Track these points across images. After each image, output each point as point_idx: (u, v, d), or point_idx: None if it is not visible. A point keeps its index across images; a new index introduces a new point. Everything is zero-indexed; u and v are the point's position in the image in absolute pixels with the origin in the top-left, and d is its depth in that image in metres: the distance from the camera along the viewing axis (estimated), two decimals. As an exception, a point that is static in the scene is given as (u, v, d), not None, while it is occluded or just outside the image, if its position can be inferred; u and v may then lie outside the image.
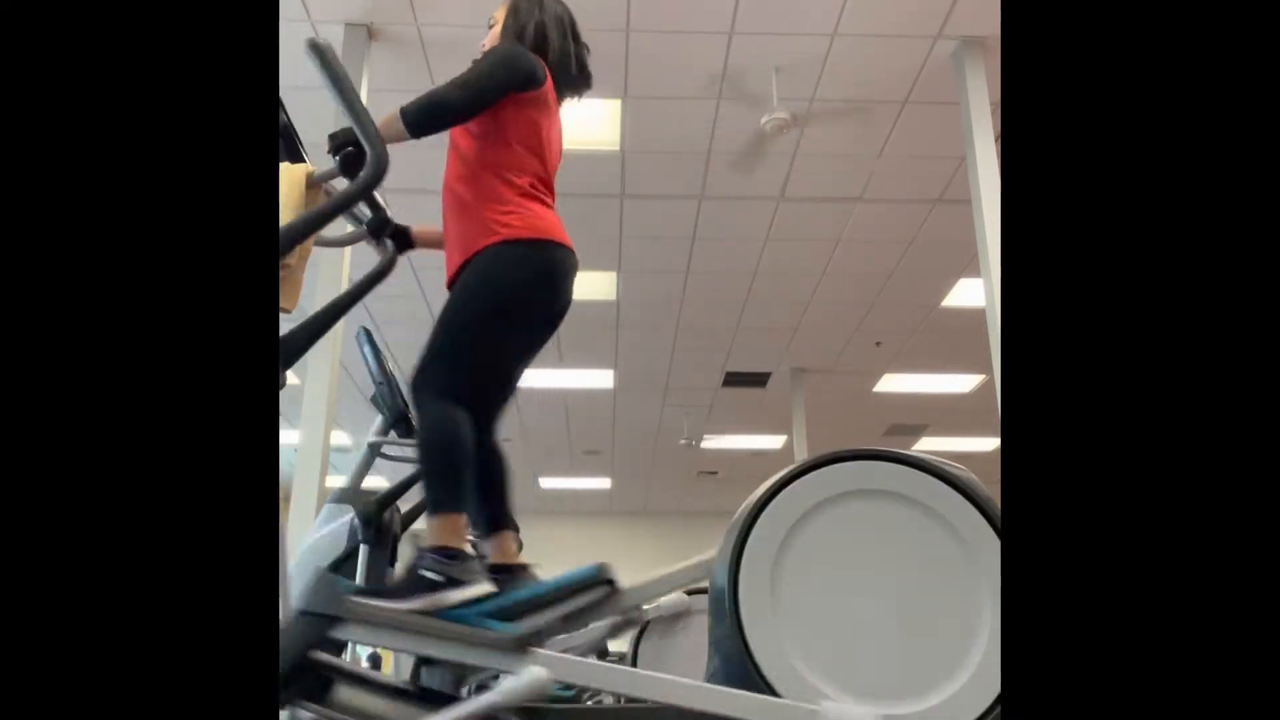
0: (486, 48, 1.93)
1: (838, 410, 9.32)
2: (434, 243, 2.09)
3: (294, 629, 1.36)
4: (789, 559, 1.43)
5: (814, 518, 1.44)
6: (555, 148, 1.91)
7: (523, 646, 1.38)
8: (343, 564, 2.60)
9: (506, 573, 1.74)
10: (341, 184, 1.61)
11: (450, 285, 1.80)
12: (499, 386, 1.88)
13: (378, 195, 1.88)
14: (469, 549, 1.55)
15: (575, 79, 1.96)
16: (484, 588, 1.48)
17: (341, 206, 1.52)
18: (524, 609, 1.47)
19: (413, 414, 1.69)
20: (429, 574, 1.48)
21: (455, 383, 1.65)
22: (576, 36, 1.97)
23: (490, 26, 1.98)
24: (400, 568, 1.66)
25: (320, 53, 1.52)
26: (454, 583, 1.47)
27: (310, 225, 1.48)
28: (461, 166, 1.81)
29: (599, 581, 1.62)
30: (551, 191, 1.87)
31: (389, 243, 1.94)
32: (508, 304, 1.71)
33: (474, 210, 1.76)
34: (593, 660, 1.51)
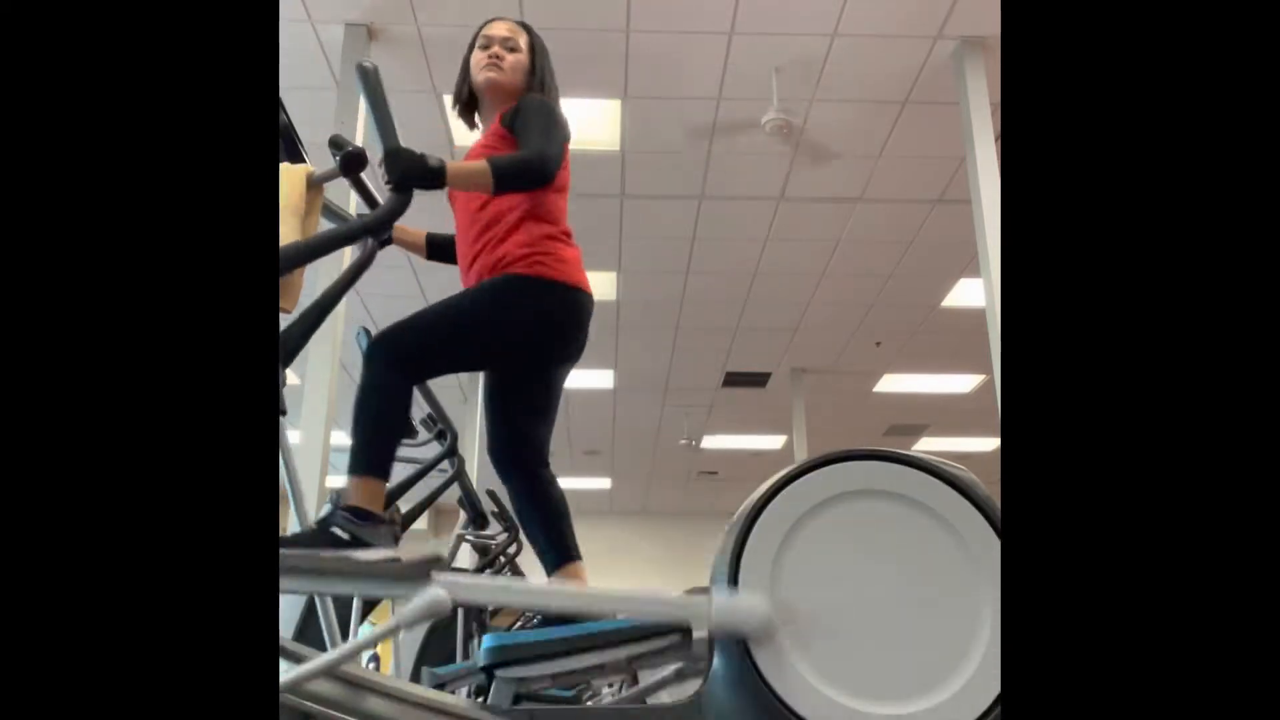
0: (504, 77, 1.94)
1: (838, 410, 9.32)
2: (413, 245, 2.11)
3: None
4: (789, 559, 1.43)
5: (814, 518, 1.44)
6: (567, 192, 1.96)
7: (425, 573, 1.35)
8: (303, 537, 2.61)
9: None
10: (342, 184, 1.61)
11: None
12: (541, 417, 1.90)
13: (377, 195, 1.88)
14: (382, 514, 1.53)
15: None
16: (388, 552, 1.45)
17: (351, 238, 1.51)
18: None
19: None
20: (339, 531, 1.47)
21: (414, 361, 1.65)
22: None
23: (510, 50, 1.97)
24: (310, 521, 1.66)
25: (366, 77, 1.52)
26: (360, 543, 1.45)
27: (315, 252, 1.48)
28: (501, 203, 1.83)
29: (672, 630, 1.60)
30: (570, 234, 1.91)
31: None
32: (506, 337, 1.74)
33: (514, 241, 1.79)
34: (493, 578, 1.52)
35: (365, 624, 2.92)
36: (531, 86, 1.94)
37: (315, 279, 4.28)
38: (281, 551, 1.37)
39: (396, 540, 1.53)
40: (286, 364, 1.55)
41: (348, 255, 4.32)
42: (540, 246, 1.78)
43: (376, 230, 1.55)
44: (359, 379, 1.63)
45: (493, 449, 1.91)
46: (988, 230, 4.29)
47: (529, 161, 1.71)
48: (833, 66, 4.67)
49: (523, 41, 1.98)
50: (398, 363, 1.63)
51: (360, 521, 1.49)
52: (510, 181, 1.69)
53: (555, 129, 1.78)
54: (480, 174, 1.65)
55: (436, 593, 1.32)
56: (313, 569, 1.38)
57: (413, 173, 1.53)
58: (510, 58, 1.96)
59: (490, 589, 1.46)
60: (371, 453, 1.58)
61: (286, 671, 1.24)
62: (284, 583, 1.35)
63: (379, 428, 1.60)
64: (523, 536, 4.31)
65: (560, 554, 1.83)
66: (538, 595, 1.45)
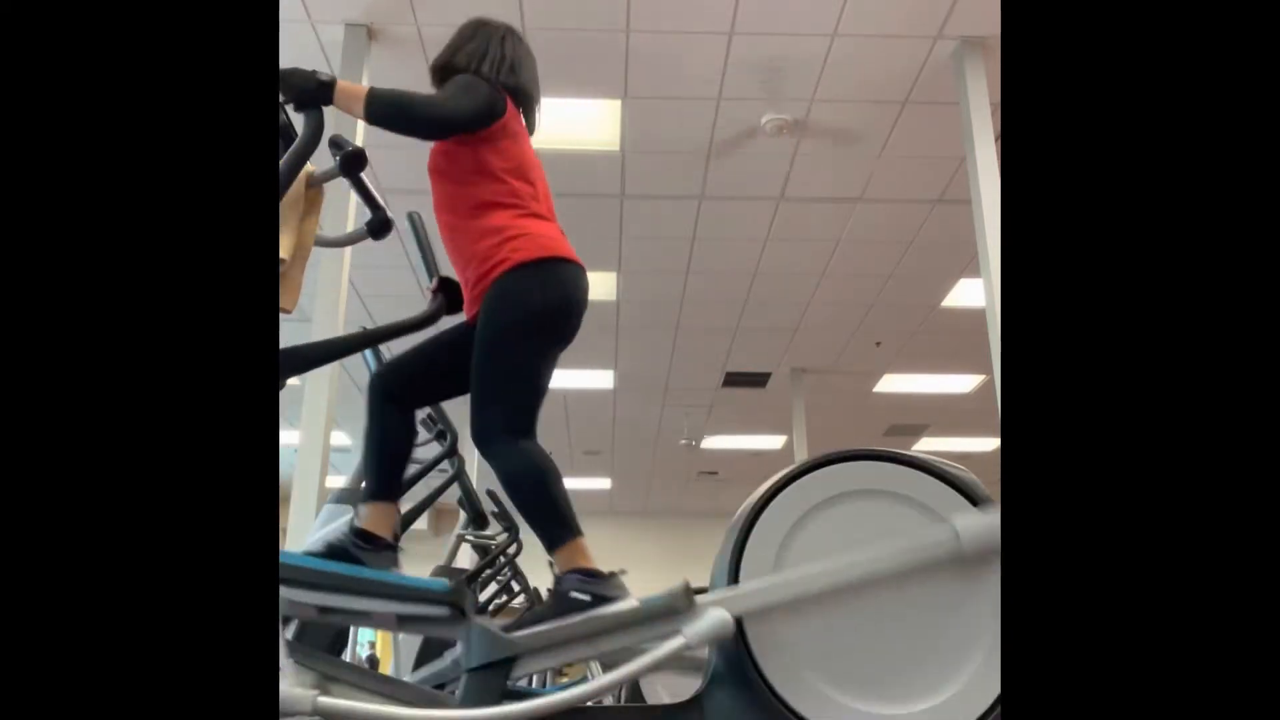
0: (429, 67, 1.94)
1: (838, 410, 9.31)
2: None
3: (474, 687, 1.39)
4: (789, 559, 1.43)
5: (814, 518, 1.44)
6: (541, 170, 1.90)
7: (690, 601, 1.41)
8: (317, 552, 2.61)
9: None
10: (341, 184, 1.61)
11: (471, 322, 1.79)
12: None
13: (377, 195, 1.88)
14: (601, 568, 1.58)
15: (530, 103, 1.96)
16: (632, 602, 1.49)
17: (294, 168, 1.50)
18: None
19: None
20: (577, 595, 1.51)
21: (516, 418, 1.66)
22: (514, 65, 1.94)
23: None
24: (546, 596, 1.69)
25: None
26: (602, 600, 1.50)
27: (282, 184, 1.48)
28: (453, 214, 1.81)
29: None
30: (550, 213, 1.85)
31: (440, 296, 1.93)
32: (535, 326, 1.70)
33: (478, 247, 1.75)
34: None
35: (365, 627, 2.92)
36: (436, 69, 1.92)
37: (315, 278, 4.28)
38: (546, 629, 1.44)
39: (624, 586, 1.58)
40: (298, 373, 1.57)
41: (348, 255, 4.32)
42: (516, 231, 1.73)
43: (309, 150, 1.53)
44: (499, 472, 1.63)
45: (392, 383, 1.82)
46: (988, 230, 4.29)
47: (411, 104, 1.68)
48: (833, 66, 4.66)
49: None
50: (507, 434, 1.64)
51: (591, 579, 1.54)
52: (382, 112, 1.65)
53: (460, 99, 1.74)
54: (357, 97, 1.63)
55: (720, 614, 1.38)
56: (591, 635, 1.44)
57: (306, 87, 1.54)
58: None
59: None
60: (559, 523, 1.60)
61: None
62: (562, 656, 1.44)
63: (545, 497, 1.61)
64: (523, 536, 4.31)
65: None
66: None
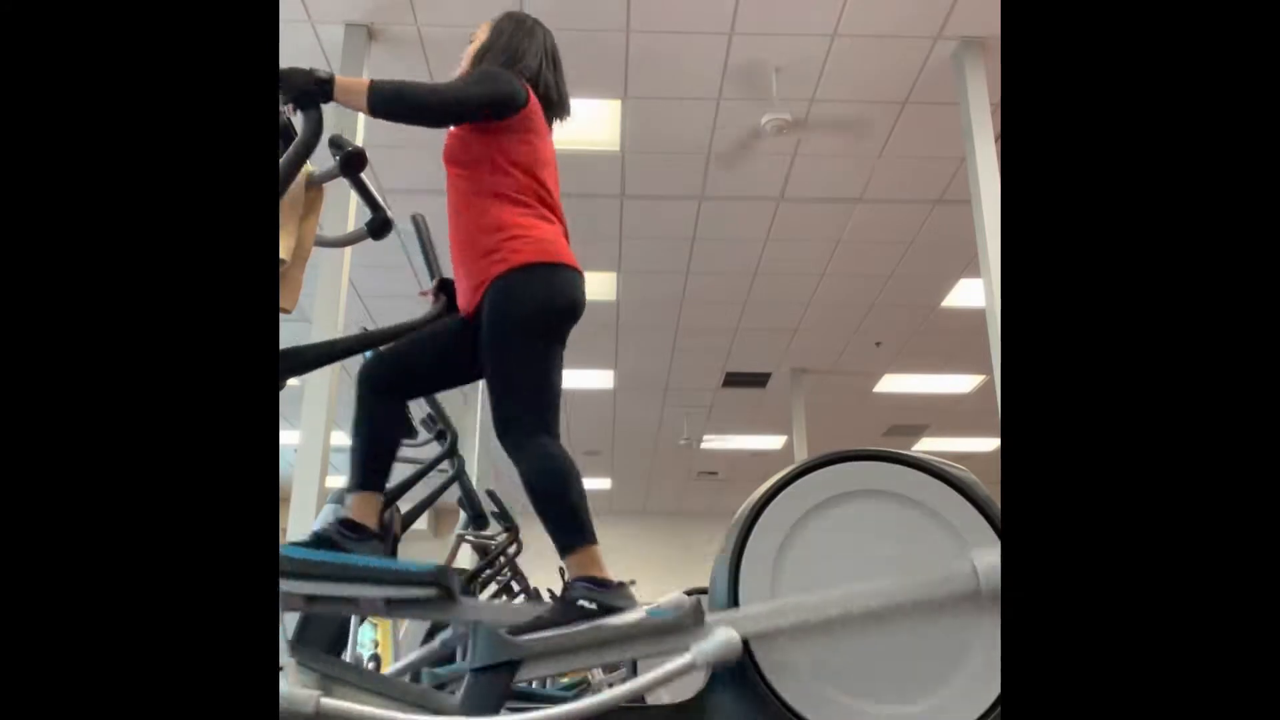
0: (465, 64, 1.93)
1: (838, 410, 9.31)
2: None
3: (478, 690, 1.39)
4: (789, 559, 1.43)
5: (814, 518, 1.44)
6: (554, 170, 1.89)
7: (699, 618, 1.41)
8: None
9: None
10: (341, 184, 1.60)
11: (468, 316, 1.78)
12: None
13: (377, 195, 1.88)
14: (612, 577, 1.57)
15: (555, 107, 1.95)
16: (639, 613, 1.48)
17: (294, 165, 1.49)
18: None
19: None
20: (584, 603, 1.51)
21: (536, 418, 1.65)
22: (557, 65, 1.96)
23: (470, 41, 1.96)
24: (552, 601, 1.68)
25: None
26: (610, 610, 1.50)
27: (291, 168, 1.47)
28: (462, 201, 1.80)
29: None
30: (557, 214, 1.84)
31: (442, 297, 1.93)
32: (540, 324, 1.70)
33: (481, 241, 1.74)
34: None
35: (364, 625, 2.92)
36: (479, 61, 1.89)
37: (315, 278, 4.28)
38: (551, 635, 1.44)
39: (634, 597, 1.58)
40: (299, 374, 1.57)
41: (348, 255, 4.32)
42: (517, 231, 1.73)
43: (309, 149, 1.52)
44: (523, 471, 1.62)
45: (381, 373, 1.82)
46: (988, 230, 4.29)
47: (413, 92, 1.66)
48: (833, 66, 4.66)
49: (482, 30, 1.95)
50: (529, 434, 1.63)
51: (599, 588, 1.54)
52: (386, 103, 1.64)
53: (473, 85, 1.73)
54: (359, 91, 1.62)
55: (729, 633, 1.37)
56: (596, 644, 1.44)
57: (304, 86, 1.52)
58: (467, 50, 1.95)
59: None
60: (575, 526, 1.59)
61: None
62: (565, 663, 1.44)
63: (564, 500, 1.60)
64: (523, 536, 4.31)
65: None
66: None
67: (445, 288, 1.93)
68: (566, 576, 1.59)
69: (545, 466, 1.61)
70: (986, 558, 1.38)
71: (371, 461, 1.72)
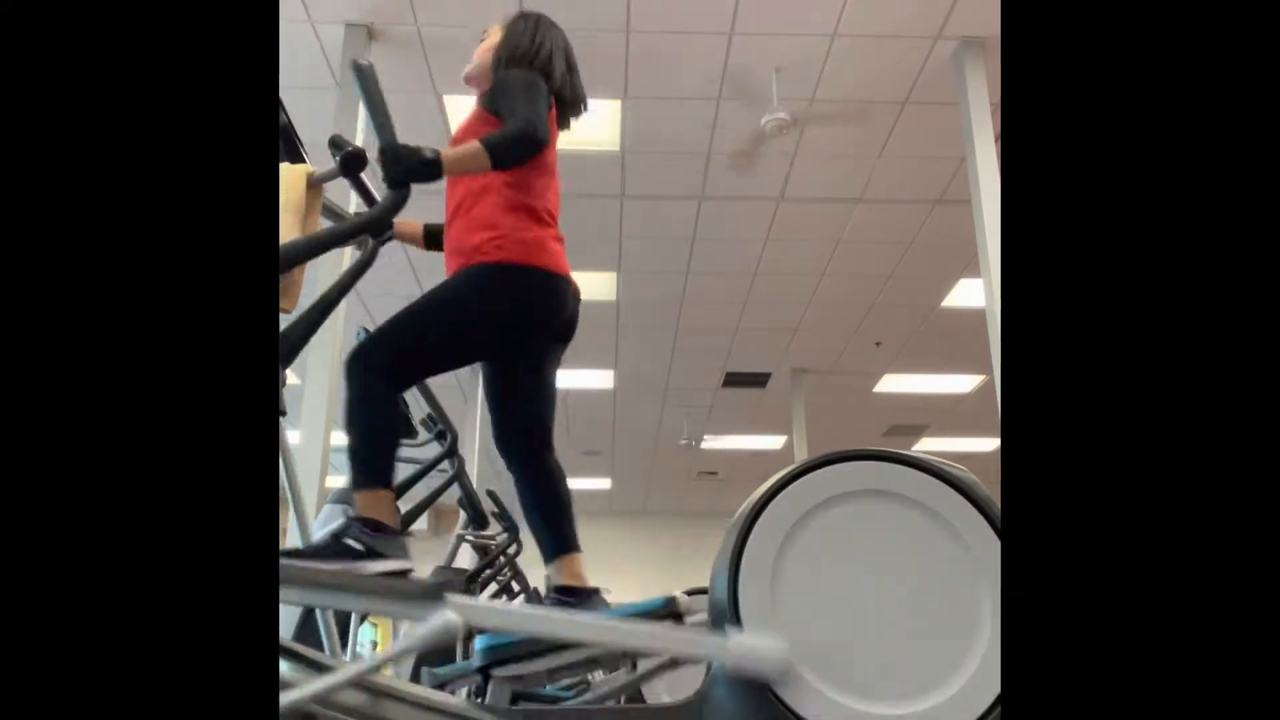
0: (478, 61, 1.93)
1: (838, 410, 9.31)
2: (411, 237, 2.08)
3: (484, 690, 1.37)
4: (789, 559, 1.43)
5: (814, 518, 1.44)
6: (555, 176, 1.91)
7: (437, 595, 1.35)
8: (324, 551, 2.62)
9: (574, 596, 1.75)
10: (341, 184, 1.60)
11: None
12: (537, 403, 1.87)
13: (377, 195, 1.88)
14: (394, 525, 1.55)
15: (571, 105, 1.96)
16: (403, 563, 1.48)
17: (351, 235, 1.51)
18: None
19: (397, 405, 1.68)
20: (352, 542, 1.48)
21: (393, 366, 1.64)
22: (572, 63, 1.97)
23: (483, 39, 1.97)
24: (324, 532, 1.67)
25: (363, 74, 1.51)
26: (374, 554, 1.47)
27: (314, 250, 1.47)
28: (463, 193, 1.81)
29: (666, 614, 1.61)
30: (554, 219, 1.86)
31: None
32: (483, 332, 1.72)
33: (472, 234, 1.76)
34: (506, 603, 1.53)
35: (365, 624, 2.92)
36: (502, 62, 1.90)
37: (315, 278, 4.28)
38: (287, 563, 1.39)
39: (408, 553, 1.54)
40: (287, 364, 1.55)
41: (348, 255, 4.32)
42: (506, 231, 1.74)
43: (376, 227, 1.54)
44: (345, 392, 1.61)
45: (497, 437, 1.90)
46: (988, 230, 4.29)
47: (520, 131, 1.68)
48: (833, 66, 4.66)
49: (495, 28, 1.96)
50: (380, 371, 1.62)
51: (373, 533, 1.50)
52: (506, 154, 1.66)
53: (535, 94, 1.75)
54: (475, 155, 1.62)
55: (449, 616, 1.32)
56: (318, 582, 1.38)
57: (412, 168, 1.52)
58: (479, 48, 1.95)
59: (503, 615, 1.44)
60: (371, 465, 1.58)
61: (308, 682, 1.25)
62: (286, 594, 1.35)
63: (374, 439, 1.59)
64: (523, 536, 4.31)
65: (558, 544, 1.81)
66: (553, 623, 1.41)
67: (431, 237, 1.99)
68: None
69: (365, 400, 1.60)
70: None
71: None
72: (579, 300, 1.87)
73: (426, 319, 1.69)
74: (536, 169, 1.81)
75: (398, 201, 1.51)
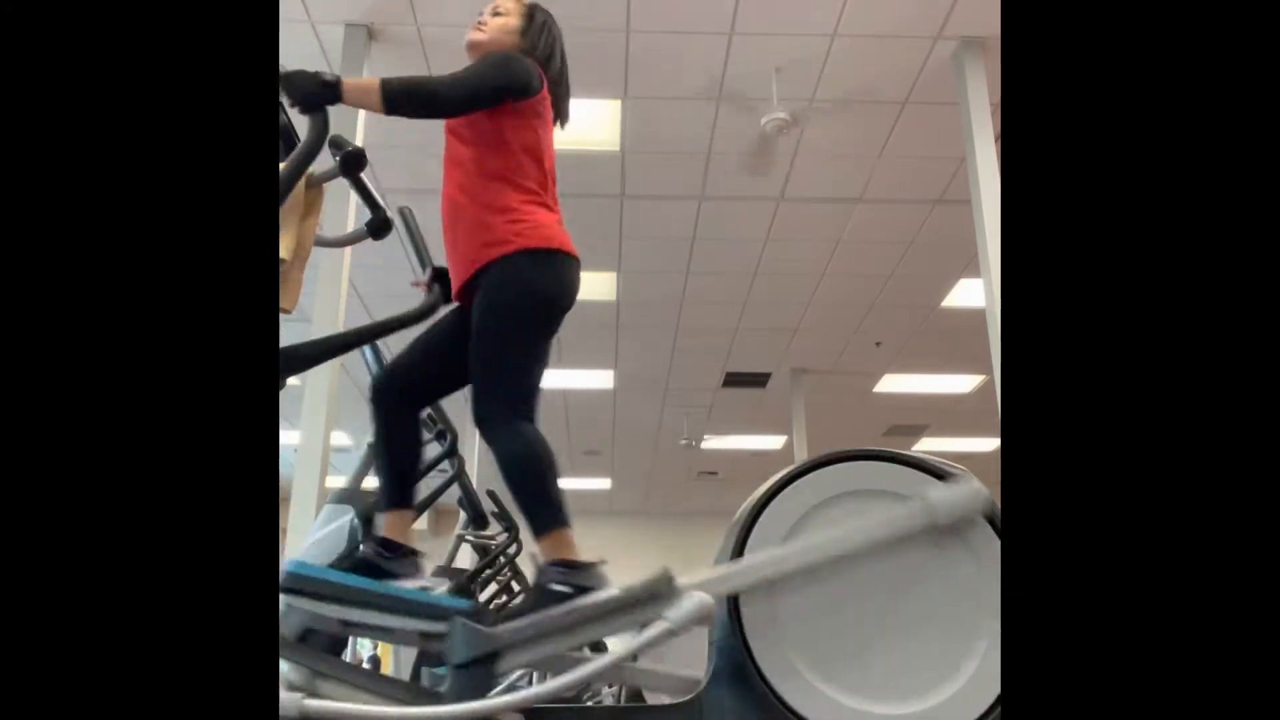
0: (484, 35, 1.89)
1: (838, 410, 9.31)
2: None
3: (463, 684, 1.39)
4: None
5: (814, 518, 1.44)
6: (552, 157, 1.89)
7: (675, 588, 1.42)
8: (342, 564, 2.61)
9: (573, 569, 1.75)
10: (341, 184, 1.60)
11: (459, 297, 1.79)
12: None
13: (377, 195, 1.88)
14: (584, 558, 1.57)
15: (562, 103, 1.95)
16: (613, 592, 1.49)
17: (296, 173, 1.47)
18: None
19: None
20: (557, 587, 1.51)
21: (517, 402, 1.65)
22: (565, 63, 1.96)
23: (495, 14, 1.91)
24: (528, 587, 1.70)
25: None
26: (583, 590, 1.50)
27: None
28: (464, 178, 1.78)
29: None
30: (555, 200, 1.84)
31: (436, 287, 1.93)
32: (535, 313, 1.70)
33: (481, 220, 1.73)
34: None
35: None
36: (519, 49, 1.86)
37: (315, 278, 4.28)
38: (527, 623, 1.44)
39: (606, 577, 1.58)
40: (296, 373, 1.57)
41: (348, 255, 4.32)
42: (514, 216, 1.72)
43: (314, 153, 1.51)
44: (498, 453, 1.62)
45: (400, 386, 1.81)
46: (988, 230, 4.29)
47: (426, 85, 1.64)
48: (833, 66, 4.66)
49: (513, 7, 1.92)
50: (507, 417, 1.64)
51: (572, 571, 1.54)
52: (399, 101, 1.60)
53: (490, 69, 1.71)
54: (370, 90, 1.59)
55: (700, 597, 1.39)
56: (571, 627, 1.43)
57: (311, 90, 1.50)
58: (494, 20, 1.91)
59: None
60: (547, 510, 1.60)
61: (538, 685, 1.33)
62: (543, 649, 1.43)
63: (537, 482, 1.61)
64: (523, 536, 4.31)
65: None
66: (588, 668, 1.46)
67: (439, 277, 1.92)
68: (539, 560, 1.58)
69: (521, 449, 1.61)
70: (935, 492, 1.41)
71: (399, 479, 1.75)
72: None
73: (502, 340, 1.67)
74: (537, 151, 1.79)
75: (319, 127, 1.49)
